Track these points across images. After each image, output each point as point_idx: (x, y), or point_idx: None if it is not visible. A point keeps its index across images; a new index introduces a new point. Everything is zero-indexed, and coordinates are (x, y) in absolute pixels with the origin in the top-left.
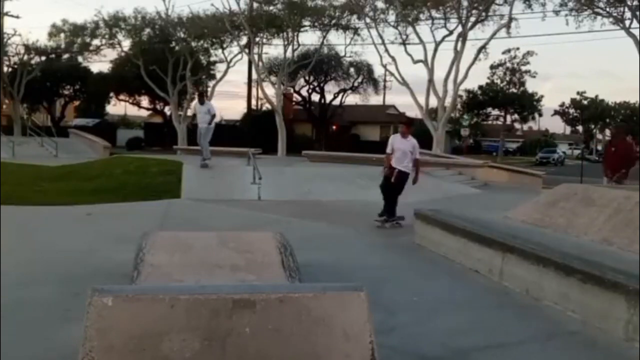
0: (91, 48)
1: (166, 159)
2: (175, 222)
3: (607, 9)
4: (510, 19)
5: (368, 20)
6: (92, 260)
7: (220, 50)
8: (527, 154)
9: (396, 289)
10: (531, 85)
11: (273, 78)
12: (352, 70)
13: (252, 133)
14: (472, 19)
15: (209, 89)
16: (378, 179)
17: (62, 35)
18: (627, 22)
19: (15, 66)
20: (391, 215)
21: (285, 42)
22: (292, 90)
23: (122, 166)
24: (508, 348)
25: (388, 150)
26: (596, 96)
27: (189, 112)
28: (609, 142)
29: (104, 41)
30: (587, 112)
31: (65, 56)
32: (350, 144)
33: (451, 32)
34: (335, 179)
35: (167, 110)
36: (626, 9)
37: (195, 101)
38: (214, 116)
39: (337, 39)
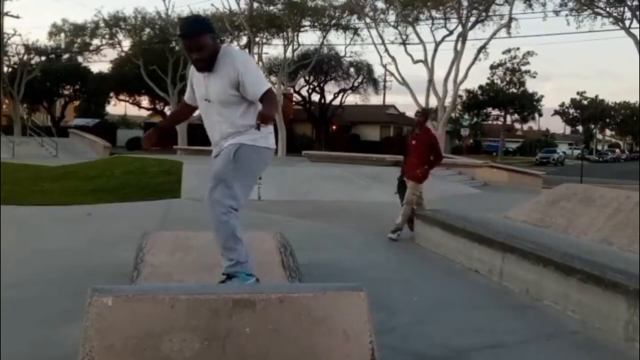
0: (91, 48)
1: (166, 159)
2: (175, 222)
3: (607, 9)
4: (510, 19)
5: (368, 20)
6: (92, 260)
7: None
8: (527, 154)
9: (396, 289)
10: (531, 85)
11: (273, 78)
12: (352, 70)
13: None
14: (472, 19)
15: None
16: (378, 178)
17: (62, 35)
18: (627, 22)
19: (15, 66)
20: None
21: (285, 42)
22: (292, 90)
23: (122, 166)
24: (508, 348)
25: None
26: (596, 96)
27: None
28: (410, 132)
29: (104, 41)
30: (587, 112)
31: (65, 56)
32: (350, 144)
33: (451, 32)
34: (335, 179)
35: (167, 110)
36: (626, 9)
37: (192, 69)
38: (268, 104)
39: (337, 39)
